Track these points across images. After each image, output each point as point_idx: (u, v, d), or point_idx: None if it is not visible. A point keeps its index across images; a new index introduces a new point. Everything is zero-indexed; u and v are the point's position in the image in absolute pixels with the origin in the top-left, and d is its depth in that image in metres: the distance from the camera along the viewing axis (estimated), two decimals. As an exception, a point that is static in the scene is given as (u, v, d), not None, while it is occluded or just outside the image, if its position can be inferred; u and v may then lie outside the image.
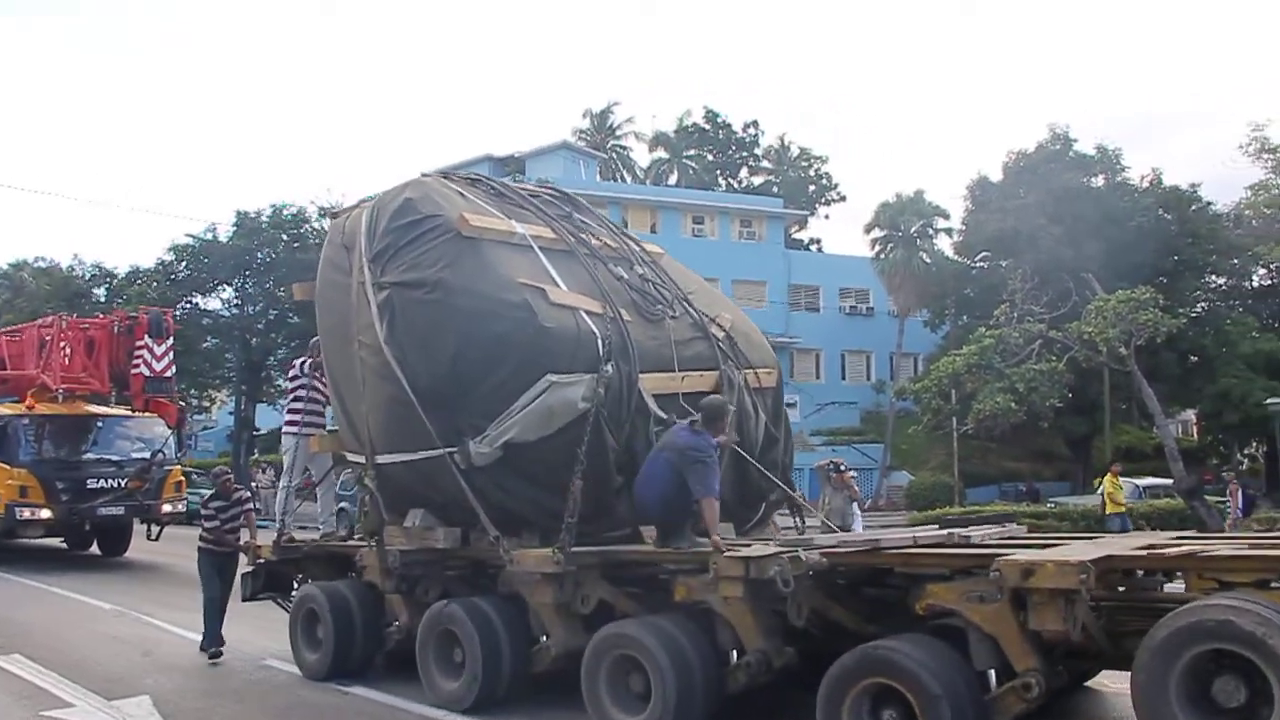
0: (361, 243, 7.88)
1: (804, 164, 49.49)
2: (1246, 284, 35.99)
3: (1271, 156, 29.22)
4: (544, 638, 7.33)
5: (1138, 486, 28.39)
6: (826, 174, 50.37)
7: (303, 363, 9.45)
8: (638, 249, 8.82)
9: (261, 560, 9.51)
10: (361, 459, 7.98)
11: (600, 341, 7.23)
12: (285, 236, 35.48)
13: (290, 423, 9.45)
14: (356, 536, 9.45)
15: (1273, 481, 32.47)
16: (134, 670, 8.98)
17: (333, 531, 9.47)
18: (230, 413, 40.30)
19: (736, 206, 47.55)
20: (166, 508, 16.97)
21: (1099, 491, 20.06)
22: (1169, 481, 28.12)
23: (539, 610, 7.15)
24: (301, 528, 10.84)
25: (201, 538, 9.57)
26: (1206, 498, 28.23)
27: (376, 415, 7.69)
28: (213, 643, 9.29)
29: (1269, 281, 35.09)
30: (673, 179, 57.08)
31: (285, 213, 35.68)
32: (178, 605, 12.70)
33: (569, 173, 43.84)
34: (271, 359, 37.14)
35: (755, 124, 48.09)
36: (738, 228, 46.01)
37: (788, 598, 5.97)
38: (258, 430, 39.48)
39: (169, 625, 11.29)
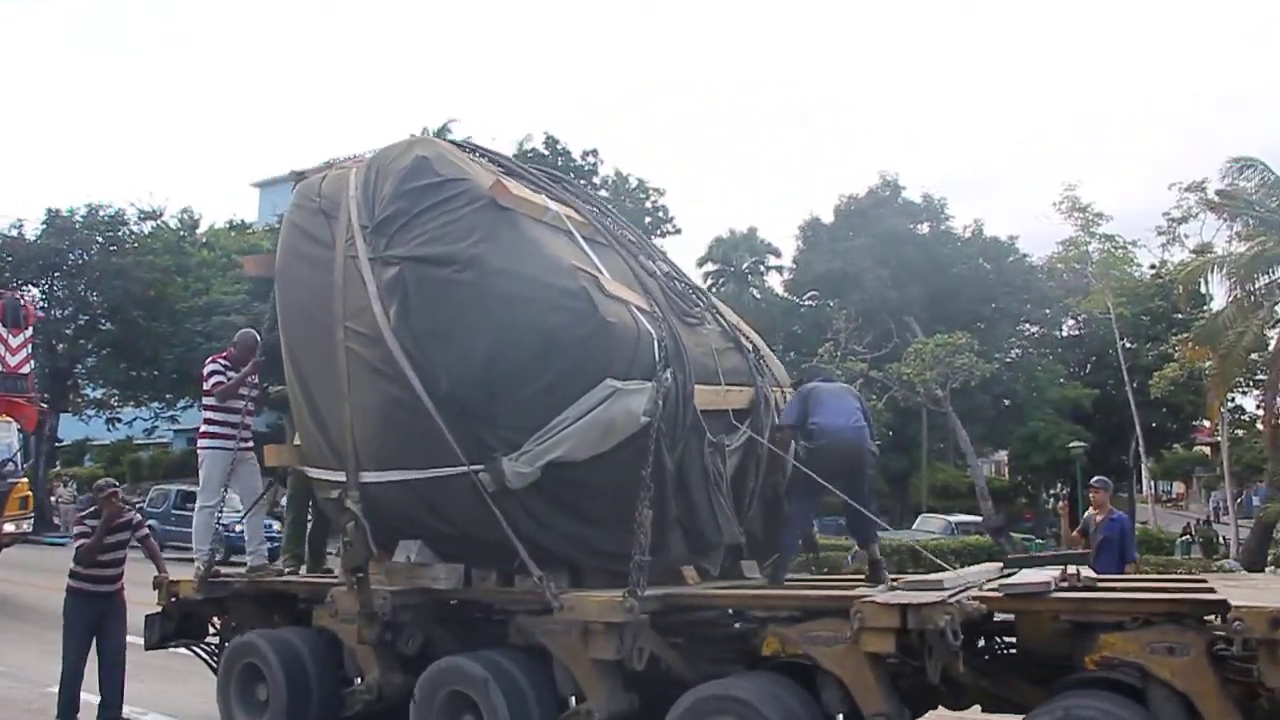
0: (352, 208, 6.38)
1: (641, 195, 49.30)
2: (1057, 333, 38.72)
3: (1081, 215, 31.29)
4: (574, 700, 6.06)
5: (949, 522, 29.45)
6: (663, 206, 50.58)
7: (255, 364, 7.65)
8: (655, 246, 7.73)
9: (176, 599, 7.58)
10: (338, 477, 6.42)
11: (656, 344, 6.09)
12: (101, 239, 32.35)
13: (210, 434, 7.58)
14: (287, 570, 7.79)
15: (1073, 521, 34.64)
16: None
17: (264, 565, 7.67)
18: (30, 420, 36.39)
19: (571, 231, 46.47)
20: (9, 527, 14.07)
21: None
22: (980, 519, 29.48)
23: (576, 667, 5.85)
24: (177, 546, 9.02)
25: (72, 573, 7.42)
26: (1013, 534, 29.89)
27: (368, 422, 6.17)
28: (68, 713, 7.31)
29: (1077, 332, 37.80)
30: (505, 201, 55.08)
31: (102, 213, 32.46)
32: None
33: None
34: (79, 367, 33.88)
35: (594, 152, 47.57)
36: (572, 253, 45.13)
37: (930, 652, 5.05)
38: (60, 442, 35.61)
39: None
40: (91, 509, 7.50)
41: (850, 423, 6.61)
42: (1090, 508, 9.81)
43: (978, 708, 5.81)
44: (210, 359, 7.80)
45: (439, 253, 5.93)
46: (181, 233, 37.06)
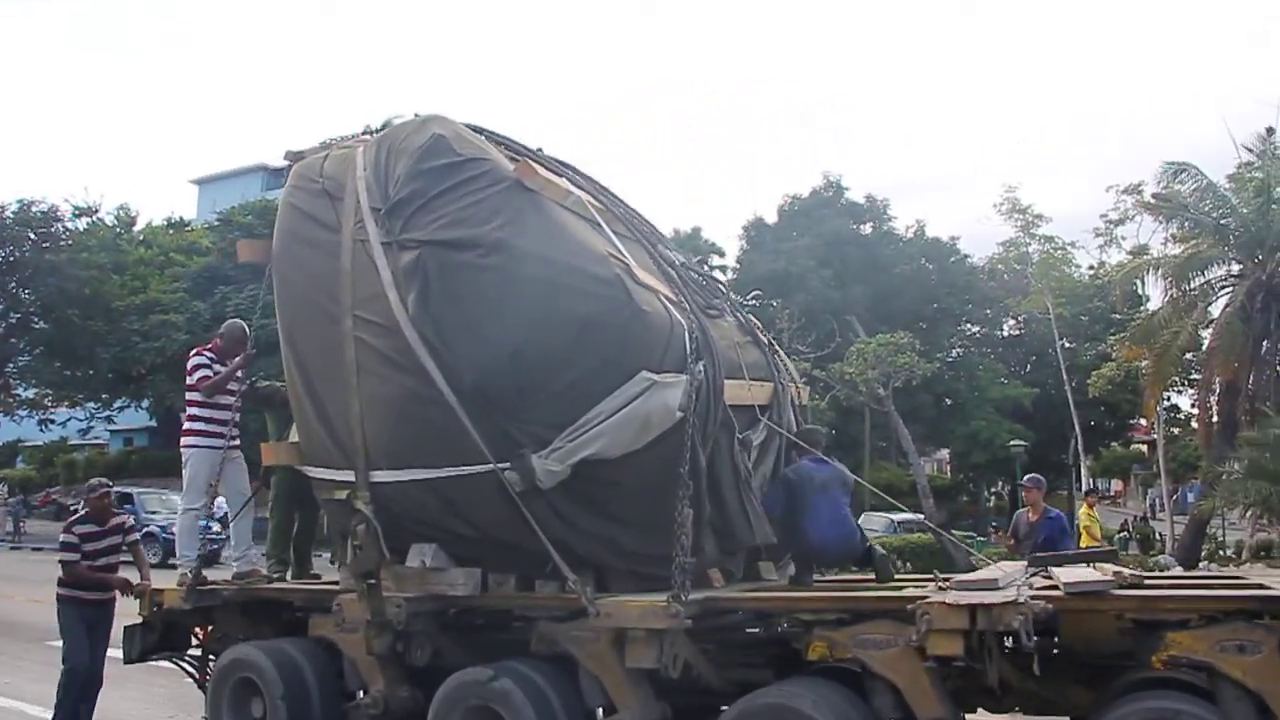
0: (361, 189, 5.95)
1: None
2: (997, 333, 39.40)
3: (1021, 216, 31.84)
4: (600, 711, 5.74)
5: (892, 521, 29.70)
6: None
7: (246, 357, 7.18)
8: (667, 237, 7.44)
9: (159, 608, 7.04)
10: (345, 476, 5.99)
11: (688, 335, 5.80)
12: (33, 235, 31.14)
13: (195, 432, 7.05)
14: (275, 576, 7.32)
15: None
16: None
17: (251, 571, 7.16)
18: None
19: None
20: None
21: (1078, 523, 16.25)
22: (922, 516, 29.80)
23: (607, 676, 5.52)
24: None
25: (61, 581, 6.92)
26: (954, 532, 30.26)
27: (382, 417, 5.76)
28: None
29: (1017, 332, 38.52)
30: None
31: (34, 209, 31.16)
32: None
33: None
34: (11, 366, 32.78)
35: (540, 151, 47.23)
36: (516, 251, 44.71)
37: (990, 654, 4.85)
38: (-8, 442, 34.30)
39: None
40: (83, 513, 6.98)
41: (838, 535, 6.42)
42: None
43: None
44: (195, 351, 7.26)
45: (462, 236, 5.54)
46: (118, 230, 35.92)
